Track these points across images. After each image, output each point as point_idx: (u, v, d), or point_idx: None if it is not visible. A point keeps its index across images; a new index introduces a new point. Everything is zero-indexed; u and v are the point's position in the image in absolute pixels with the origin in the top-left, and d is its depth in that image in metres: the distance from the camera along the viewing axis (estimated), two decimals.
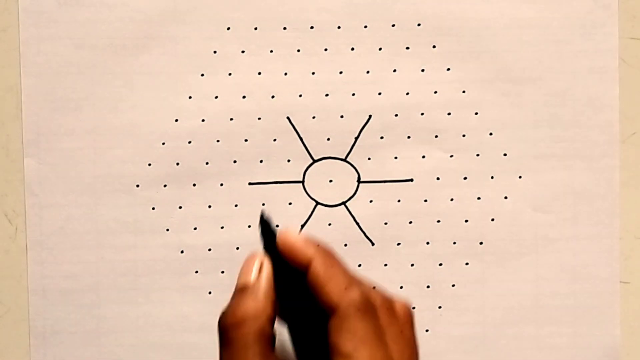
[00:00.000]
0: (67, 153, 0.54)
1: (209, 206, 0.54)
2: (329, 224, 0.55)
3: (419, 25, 0.54)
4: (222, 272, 0.55)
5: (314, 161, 0.55)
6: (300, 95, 0.54)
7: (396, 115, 0.55)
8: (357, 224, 0.55)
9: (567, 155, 0.55)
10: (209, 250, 0.55)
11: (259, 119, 0.54)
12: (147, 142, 0.54)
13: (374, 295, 0.43)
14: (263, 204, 0.54)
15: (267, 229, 0.44)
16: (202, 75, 0.54)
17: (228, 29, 0.54)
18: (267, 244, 0.44)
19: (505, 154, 0.55)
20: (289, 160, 0.55)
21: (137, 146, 0.54)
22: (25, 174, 0.54)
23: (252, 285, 0.42)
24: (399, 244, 0.55)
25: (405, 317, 0.45)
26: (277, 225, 0.47)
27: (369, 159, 0.55)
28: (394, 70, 0.55)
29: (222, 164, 0.54)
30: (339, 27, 0.54)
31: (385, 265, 0.55)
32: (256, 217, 0.54)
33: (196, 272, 0.55)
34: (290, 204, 0.55)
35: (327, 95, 0.54)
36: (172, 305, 0.55)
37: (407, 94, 0.55)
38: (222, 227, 0.54)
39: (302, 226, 0.55)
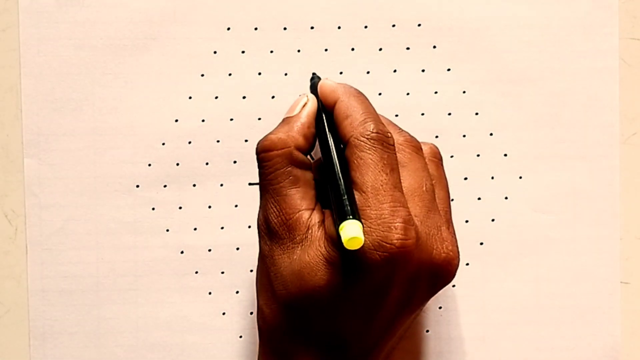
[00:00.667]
0: (67, 153, 0.54)
1: (209, 206, 0.54)
2: None
3: (419, 25, 0.54)
4: (222, 272, 0.55)
5: (314, 161, 0.55)
6: None
7: (396, 115, 0.55)
8: None
9: (568, 155, 0.55)
10: (209, 250, 0.55)
11: (259, 119, 0.54)
12: (147, 142, 0.54)
13: (395, 134, 0.46)
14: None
15: (315, 79, 0.50)
16: (202, 75, 0.54)
17: (228, 29, 0.54)
18: (313, 90, 0.49)
19: (505, 155, 0.55)
20: None
21: (137, 146, 0.54)
22: (25, 174, 0.54)
23: (290, 117, 0.47)
24: None
25: (432, 154, 0.48)
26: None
27: None
28: (394, 71, 0.55)
29: (222, 164, 0.54)
30: (339, 27, 0.54)
31: None
32: (256, 217, 0.55)
33: (196, 272, 0.55)
34: None
35: None
36: (172, 306, 0.55)
37: (408, 94, 0.55)
38: (222, 228, 0.54)
39: None
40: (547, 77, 0.55)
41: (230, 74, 0.54)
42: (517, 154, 0.55)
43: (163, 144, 0.54)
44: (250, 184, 0.54)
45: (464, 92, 0.55)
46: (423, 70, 0.55)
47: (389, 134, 0.44)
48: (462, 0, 0.54)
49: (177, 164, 0.54)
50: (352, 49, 0.54)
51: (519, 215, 0.55)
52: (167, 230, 0.54)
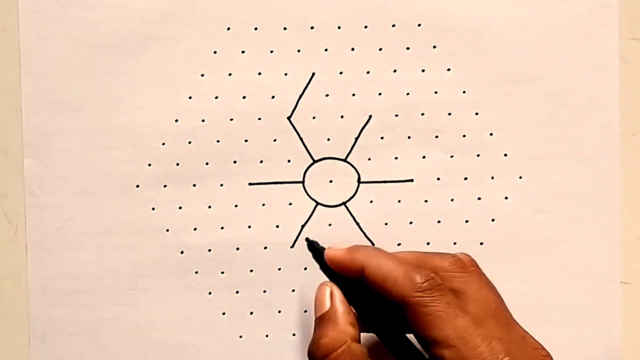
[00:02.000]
0: (67, 153, 0.54)
1: (209, 206, 0.54)
2: (329, 225, 0.55)
3: (419, 25, 0.54)
4: (222, 272, 0.55)
5: (314, 161, 0.55)
6: (301, 95, 0.54)
7: (396, 115, 0.55)
8: (358, 224, 0.55)
9: (568, 155, 0.55)
10: (209, 250, 0.55)
11: (259, 119, 0.54)
12: (147, 142, 0.54)
13: (436, 261, 0.45)
14: (263, 204, 0.54)
15: (317, 255, 0.48)
16: (202, 75, 0.54)
17: (228, 29, 0.54)
18: (325, 270, 0.47)
19: (505, 155, 0.55)
20: (289, 161, 0.55)
21: (137, 146, 0.54)
22: (25, 174, 0.54)
23: (328, 313, 0.45)
24: (399, 244, 0.55)
25: (470, 264, 0.46)
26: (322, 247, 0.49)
27: (369, 159, 0.55)
28: (394, 71, 0.55)
29: (222, 164, 0.54)
30: (339, 27, 0.54)
31: None
32: (256, 217, 0.55)
33: (196, 272, 0.55)
34: (290, 204, 0.55)
35: (327, 95, 0.54)
36: (172, 306, 0.54)
37: (408, 94, 0.55)
38: (222, 228, 0.54)
39: (302, 226, 0.55)
40: (547, 77, 0.55)
41: (230, 74, 0.54)
42: (517, 154, 0.55)
43: (163, 144, 0.54)
44: (250, 183, 0.54)
45: (464, 92, 0.55)
46: (423, 70, 0.55)
47: (434, 275, 0.43)
48: (462, 0, 0.54)
49: (177, 164, 0.54)
50: (352, 49, 0.54)
51: (519, 215, 0.55)
52: (167, 230, 0.54)
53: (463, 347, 0.41)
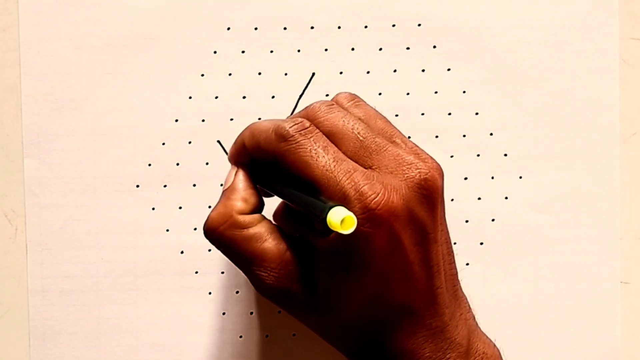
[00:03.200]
0: (67, 153, 0.54)
1: (209, 206, 0.54)
2: None
3: (419, 25, 0.54)
4: (222, 272, 0.55)
5: None
6: (301, 95, 0.54)
7: (396, 115, 0.55)
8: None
9: (568, 155, 0.55)
10: (209, 250, 0.55)
11: (259, 119, 0.54)
12: (147, 142, 0.54)
13: (307, 111, 0.46)
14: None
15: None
16: (202, 75, 0.54)
17: (228, 29, 0.54)
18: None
19: (505, 154, 0.55)
20: None
21: (137, 146, 0.54)
22: (25, 174, 0.54)
23: (226, 189, 0.47)
24: None
25: (348, 100, 0.47)
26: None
27: None
28: (394, 71, 0.55)
29: (221, 164, 0.54)
30: (339, 27, 0.54)
31: None
32: None
33: (196, 272, 0.55)
34: None
35: (327, 95, 0.54)
36: (172, 306, 0.54)
37: (408, 94, 0.55)
38: None
39: None
40: (547, 77, 0.55)
41: (230, 74, 0.54)
42: (517, 154, 0.55)
43: (163, 144, 0.54)
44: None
45: (464, 92, 0.55)
46: (423, 70, 0.55)
47: (302, 119, 0.44)
48: (462, 0, 0.54)
49: (177, 164, 0.54)
50: (352, 49, 0.54)
51: (519, 215, 0.55)
52: (167, 230, 0.54)
53: (326, 187, 0.42)
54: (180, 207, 0.54)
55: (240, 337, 0.55)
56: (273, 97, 0.54)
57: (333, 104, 0.46)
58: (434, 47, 0.54)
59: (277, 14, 0.54)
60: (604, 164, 0.55)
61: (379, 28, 0.54)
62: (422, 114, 0.55)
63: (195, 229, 0.54)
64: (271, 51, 0.54)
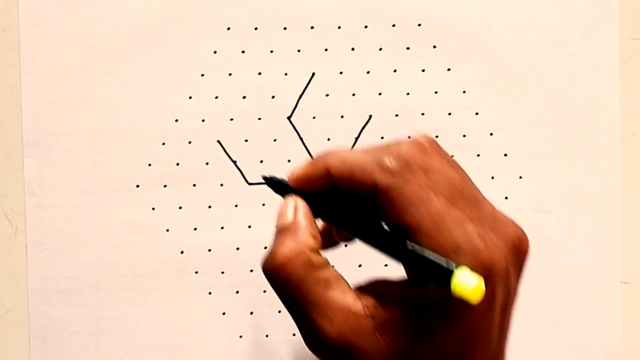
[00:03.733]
0: (67, 153, 0.54)
1: (209, 206, 0.54)
2: None
3: (419, 25, 0.54)
4: (222, 272, 0.55)
5: None
6: (301, 95, 0.54)
7: (396, 115, 0.55)
8: None
9: (567, 155, 0.55)
10: (209, 250, 0.55)
11: (259, 119, 0.54)
12: (147, 142, 0.54)
13: (397, 150, 0.42)
14: (263, 204, 0.54)
15: (273, 182, 0.45)
16: (202, 75, 0.54)
17: (228, 29, 0.54)
18: (285, 190, 0.44)
19: (505, 154, 0.55)
20: (289, 161, 0.55)
21: (137, 146, 0.54)
22: (25, 174, 0.54)
23: (289, 224, 0.42)
24: None
25: (431, 143, 0.43)
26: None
27: None
28: (394, 71, 0.55)
29: (222, 164, 0.54)
30: (339, 27, 0.54)
31: (386, 265, 0.55)
32: (256, 217, 0.55)
33: (196, 272, 0.55)
34: None
35: (327, 95, 0.54)
36: (172, 306, 0.55)
37: (408, 94, 0.55)
38: (222, 227, 0.54)
39: None
40: (547, 77, 0.55)
41: (230, 74, 0.54)
42: (517, 154, 0.55)
43: (163, 144, 0.54)
44: (250, 183, 0.54)
45: (464, 92, 0.55)
46: (423, 70, 0.55)
47: (402, 154, 0.41)
48: (462, 0, 0.54)
49: (177, 164, 0.54)
50: (352, 49, 0.54)
51: (519, 215, 0.55)
52: (167, 230, 0.54)
53: (436, 233, 0.39)
54: (180, 207, 0.54)
55: (240, 337, 0.55)
56: (273, 97, 0.54)
57: (425, 146, 0.42)
58: (434, 47, 0.54)
59: (277, 14, 0.54)
60: (604, 163, 0.55)
61: (379, 28, 0.54)
62: (422, 114, 0.55)
63: (195, 229, 0.54)
64: (271, 51, 0.54)
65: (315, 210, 0.43)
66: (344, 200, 0.42)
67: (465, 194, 0.41)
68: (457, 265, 0.37)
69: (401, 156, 0.41)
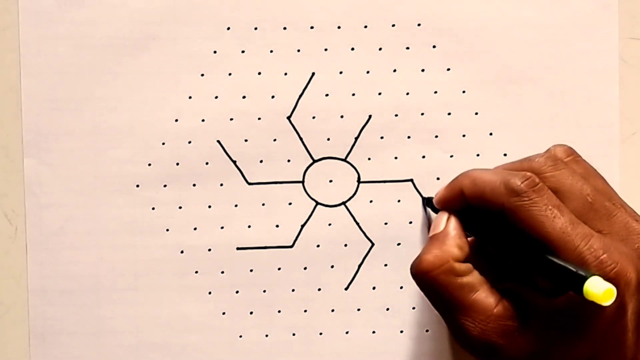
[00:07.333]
0: (67, 153, 0.54)
1: (209, 206, 0.54)
2: (329, 224, 0.55)
3: (419, 25, 0.54)
4: (222, 272, 0.55)
5: (314, 161, 0.55)
6: (301, 95, 0.54)
7: (396, 115, 0.55)
8: (357, 224, 0.55)
9: None
10: (209, 250, 0.55)
11: (259, 119, 0.54)
12: (147, 142, 0.54)
13: (527, 164, 0.47)
14: (263, 204, 0.54)
15: (430, 201, 0.52)
16: (202, 75, 0.54)
17: (228, 29, 0.54)
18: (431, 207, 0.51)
19: (505, 154, 0.55)
20: (289, 160, 0.55)
21: (137, 146, 0.54)
22: (25, 174, 0.54)
23: (438, 234, 0.47)
24: (399, 244, 0.55)
25: (566, 155, 0.48)
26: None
27: (369, 159, 0.55)
28: (394, 70, 0.55)
29: (222, 164, 0.54)
30: (339, 27, 0.54)
31: (385, 265, 0.55)
32: (256, 217, 0.55)
33: (196, 272, 0.55)
34: (290, 204, 0.55)
35: (327, 95, 0.54)
36: (172, 305, 0.55)
37: (407, 94, 0.55)
38: (222, 227, 0.54)
39: (302, 226, 0.55)
40: (547, 77, 0.55)
41: (230, 74, 0.54)
42: (517, 154, 0.55)
43: (163, 144, 0.54)
44: (250, 183, 0.54)
45: (464, 92, 0.55)
46: (423, 70, 0.55)
47: (531, 175, 0.44)
48: (462, 0, 0.54)
49: (177, 164, 0.54)
50: (352, 49, 0.54)
51: None
52: (167, 230, 0.54)
53: (562, 249, 0.42)
54: (180, 207, 0.54)
55: (240, 337, 0.55)
56: (273, 97, 0.54)
57: (557, 160, 0.46)
58: (434, 47, 0.54)
59: (277, 14, 0.54)
60: (604, 163, 0.55)
61: (379, 28, 0.54)
62: (422, 114, 0.55)
63: (195, 229, 0.54)
64: (271, 51, 0.54)
65: (465, 225, 0.48)
66: (481, 215, 0.47)
67: (595, 207, 0.45)
68: (590, 275, 0.41)
69: (528, 176, 0.44)
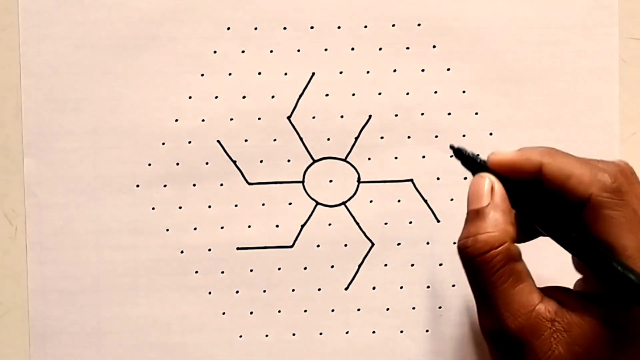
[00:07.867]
0: (67, 153, 0.54)
1: (209, 206, 0.54)
2: (329, 224, 0.55)
3: (419, 25, 0.54)
4: (222, 272, 0.55)
5: (314, 161, 0.55)
6: (301, 95, 0.54)
7: (396, 115, 0.55)
8: (357, 224, 0.55)
9: None
10: (209, 250, 0.55)
11: (259, 119, 0.54)
12: (147, 142, 0.54)
13: (619, 174, 0.42)
14: (263, 204, 0.55)
15: (464, 155, 0.44)
16: (202, 75, 0.54)
17: (228, 29, 0.54)
18: (474, 166, 0.44)
19: None
20: (289, 160, 0.55)
21: (137, 146, 0.54)
22: (25, 174, 0.54)
23: (487, 208, 0.42)
24: (399, 244, 0.55)
25: (631, 171, 0.43)
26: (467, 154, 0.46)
27: (369, 159, 0.55)
28: (394, 70, 0.55)
29: (222, 164, 0.54)
30: (339, 27, 0.54)
31: (385, 265, 0.55)
32: (256, 217, 0.55)
33: (196, 272, 0.55)
34: (290, 204, 0.55)
35: (327, 95, 0.54)
36: (172, 305, 0.55)
37: (407, 94, 0.55)
38: (222, 227, 0.54)
39: (302, 226, 0.55)
40: (547, 77, 0.55)
41: (230, 74, 0.54)
42: None
43: (163, 143, 0.54)
44: (250, 183, 0.54)
45: (464, 92, 0.55)
46: (423, 70, 0.55)
47: (620, 177, 0.42)
48: (462, 0, 0.54)
49: (177, 164, 0.54)
50: (352, 49, 0.54)
51: None
52: (167, 230, 0.54)
53: (633, 264, 0.40)
54: (180, 207, 0.54)
55: (240, 337, 0.55)
56: (273, 96, 0.54)
57: (627, 173, 0.43)
58: (434, 47, 0.54)
59: (277, 14, 0.54)
60: None
61: (379, 28, 0.54)
62: (422, 114, 0.55)
63: (195, 228, 0.54)
64: (271, 51, 0.54)
65: (510, 199, 0.43)
66: (545, 199, 0.42)
67: None
68: None
69: (615, 176, 0.41)
